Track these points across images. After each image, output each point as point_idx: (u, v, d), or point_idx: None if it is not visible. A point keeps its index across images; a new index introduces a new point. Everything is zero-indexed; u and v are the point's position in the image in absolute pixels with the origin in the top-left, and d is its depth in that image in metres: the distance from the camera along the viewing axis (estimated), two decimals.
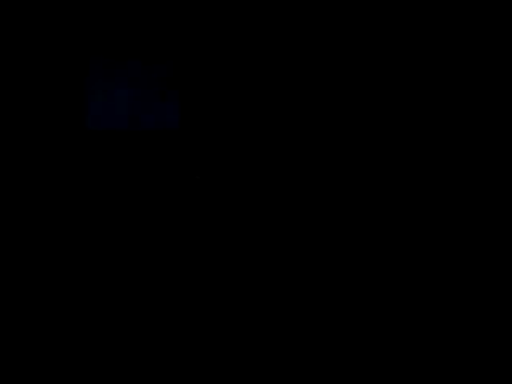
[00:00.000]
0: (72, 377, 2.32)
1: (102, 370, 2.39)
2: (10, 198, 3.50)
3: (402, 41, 3.76)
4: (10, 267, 3.33)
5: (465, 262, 3.49)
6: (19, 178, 3.47)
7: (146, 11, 3.77)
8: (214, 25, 3.81)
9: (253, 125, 3.86)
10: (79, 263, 3.36)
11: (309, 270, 3.51)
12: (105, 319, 2.85)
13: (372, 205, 3.76)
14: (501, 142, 3.48)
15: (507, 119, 3.48)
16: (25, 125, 3.61)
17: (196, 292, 3.22)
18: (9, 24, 3.43)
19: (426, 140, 3.71)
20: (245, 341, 2.58)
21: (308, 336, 2.67)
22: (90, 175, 3.65)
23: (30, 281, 3.26)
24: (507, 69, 3.49)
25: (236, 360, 2.44)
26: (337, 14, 3.84)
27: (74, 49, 3.60)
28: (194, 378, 2.38)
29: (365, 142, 3.83)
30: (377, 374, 2.32)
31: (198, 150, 3.75)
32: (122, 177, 3.71)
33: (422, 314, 2.95)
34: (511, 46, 3.49)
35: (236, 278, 3.41)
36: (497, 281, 3.37)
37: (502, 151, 3.49)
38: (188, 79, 3.78)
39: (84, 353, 2.50)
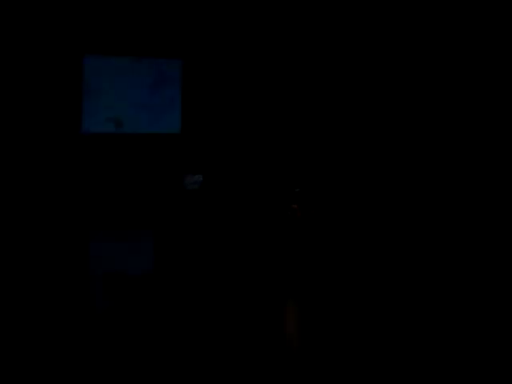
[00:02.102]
0: (71, 376, 2.32)
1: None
2: (5, 197, 3.48)
3: (402, 41, 3.75)
4: (7, 264, 3.29)
5: (465, 261, 3.46)
6: (12, 180, 3.43)
7: (147, 7, 3.67)
8: (221, 29, 3.78)
9: (256, 129, 3.85)
10: (74, 261, 3.32)
11: (307, 270, 3.50)
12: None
13: (372, 205, 3.74)
14: (501, 142, 3.47)
15: (507, 119, 3.47)
16: (16, 129, 3.56)
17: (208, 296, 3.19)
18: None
19: (425, 140, 3.70)
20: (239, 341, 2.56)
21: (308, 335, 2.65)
22: (87, 179, 3.62)
23: (26, 278, 3.20)
24: (507, 69, 3.49)
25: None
26: (339, 20, 3.83)
27: (67, 48, 3.49)
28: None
29: (365, 142, 3.82)
30: (377, 373, 2.30)
31: (198, 154, 3.74)
32: (120, 180, 3.69)
33: (419, 313, 2.92)
34: (511, 46, 3.49)
35: (234, 277, 3.38)
36: (497, 281, 3.34)
37: (503, 151, 3.47)
38: (191, 83, 3.77)
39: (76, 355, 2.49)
